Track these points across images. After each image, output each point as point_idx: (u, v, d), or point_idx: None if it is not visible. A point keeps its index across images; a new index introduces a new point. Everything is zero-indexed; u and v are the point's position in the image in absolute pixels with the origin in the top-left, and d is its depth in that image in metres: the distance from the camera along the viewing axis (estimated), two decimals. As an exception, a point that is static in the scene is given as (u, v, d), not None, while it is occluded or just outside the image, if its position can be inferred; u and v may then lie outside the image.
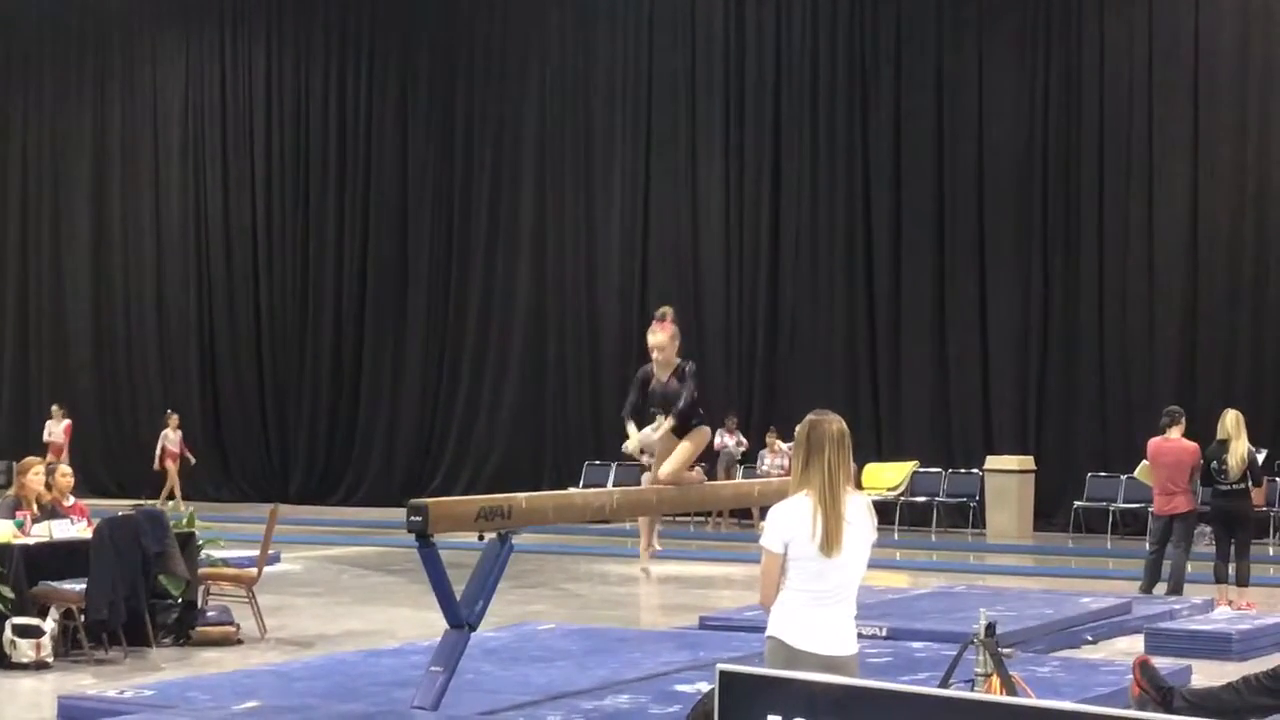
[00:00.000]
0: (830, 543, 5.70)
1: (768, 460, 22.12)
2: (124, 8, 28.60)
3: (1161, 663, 9.51)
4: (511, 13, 25.98)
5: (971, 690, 7.09)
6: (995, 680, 7.15)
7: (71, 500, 12.18)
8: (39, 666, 10.53)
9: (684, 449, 9.44)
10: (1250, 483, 13.58)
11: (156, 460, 24.81)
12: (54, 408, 25.63)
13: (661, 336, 9.36)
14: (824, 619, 5.77)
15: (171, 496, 23.91)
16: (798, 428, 5.91)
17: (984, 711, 3.97)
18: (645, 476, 19.52)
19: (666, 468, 9.48)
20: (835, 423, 5.83)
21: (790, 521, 5.75)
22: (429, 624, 10.78)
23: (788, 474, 7.11)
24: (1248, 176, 21.27)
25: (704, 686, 8.31)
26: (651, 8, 24.93)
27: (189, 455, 24.88)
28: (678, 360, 9.42)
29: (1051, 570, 18.07)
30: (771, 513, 5.86)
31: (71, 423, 25.48)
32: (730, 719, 4.11)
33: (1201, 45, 21.42)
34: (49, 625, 10.76)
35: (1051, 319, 22.20)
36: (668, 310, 9.54)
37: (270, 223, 27.55)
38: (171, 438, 24.76)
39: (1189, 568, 14.30)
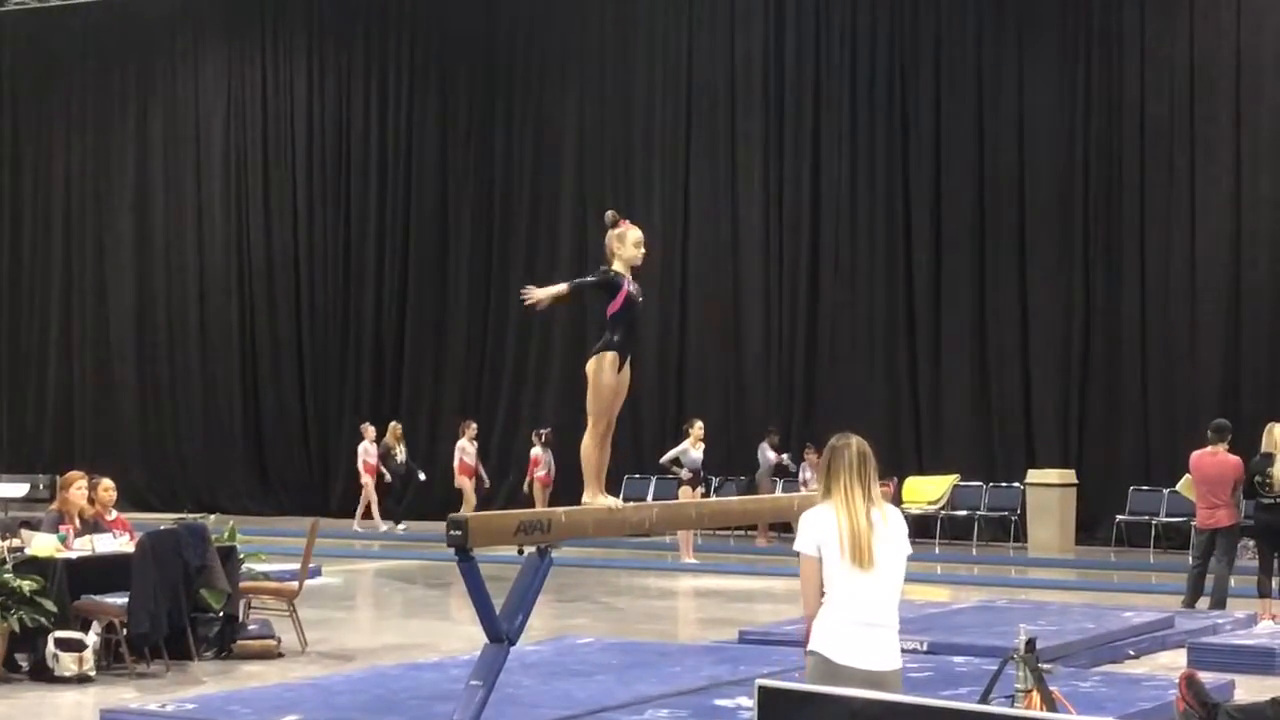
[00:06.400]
0: (859, 552, 5.64)
1: (808, 474, 22.05)
2: (165, 22, 28.75)
3: (1204, 677, 9.45)
4: (551, 23, 26.01)
5: (1011, 706, 7.04)
6: (1035, 696, 7.11)
7: (114, 514, 12.25)
8: (81, 680, 10.58)
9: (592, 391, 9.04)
10: (1294, 497, 13.46)
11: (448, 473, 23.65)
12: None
13: (639, 233, 8.94)
14: (865, 634, 5.72)
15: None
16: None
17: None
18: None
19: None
20: (849, 445, 5.81)
21: (820, 525, 5.72)
22: (469, 638, 10.80)
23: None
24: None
25: (744, 701, 8.30)
26: (690, 16, 24.94)
27: (483, 475, 23.72)
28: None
29: (1093, 584, 17.98)
30: (802, 518, 5.83)
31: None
32: (769, 735, 4.10)
33: (1243, 51, 21.28)
34: (91, 639, 10.81)
35: (1093, 332, 22.08)
36: (614, 212, 9.13)
37: (311, 236, 27.64)
38: (468, 450, 23.49)
39: (1232, 582, 14.20)
